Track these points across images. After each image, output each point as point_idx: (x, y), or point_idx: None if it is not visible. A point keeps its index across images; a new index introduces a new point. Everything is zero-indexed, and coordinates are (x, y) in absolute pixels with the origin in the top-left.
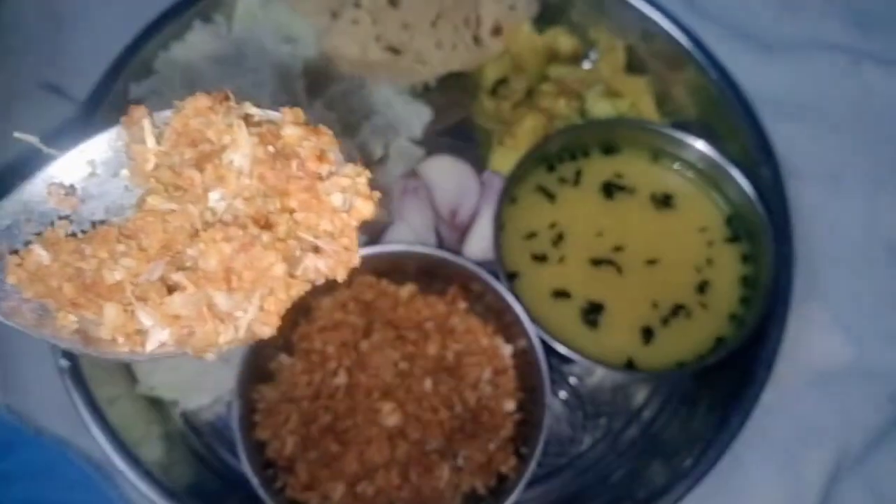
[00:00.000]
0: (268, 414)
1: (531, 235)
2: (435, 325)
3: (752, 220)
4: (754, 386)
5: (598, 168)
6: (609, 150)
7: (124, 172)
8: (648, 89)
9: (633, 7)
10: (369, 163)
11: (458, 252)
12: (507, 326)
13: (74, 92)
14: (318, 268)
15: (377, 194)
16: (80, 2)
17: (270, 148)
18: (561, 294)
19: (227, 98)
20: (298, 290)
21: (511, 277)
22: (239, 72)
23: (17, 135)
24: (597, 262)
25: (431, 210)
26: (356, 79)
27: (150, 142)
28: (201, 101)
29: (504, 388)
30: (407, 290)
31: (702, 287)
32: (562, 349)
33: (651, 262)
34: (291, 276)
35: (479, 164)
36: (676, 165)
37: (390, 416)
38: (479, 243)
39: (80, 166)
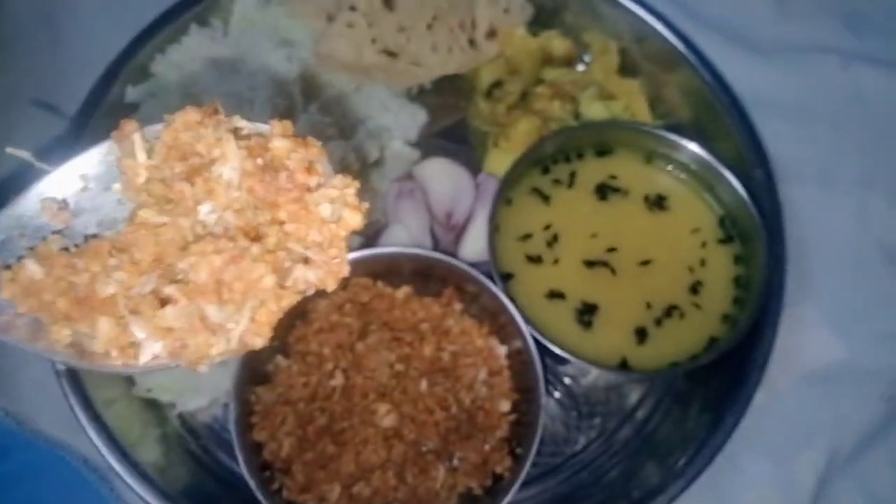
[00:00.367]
0: (264, 416)
1: (526, 237)
2: (430, 326)
3: (744, 221)
4: (747, 386)
5: (592, 170)
6: (603, 151)
7: (116, 186)
8: (642, 91)
9: (626, 10)
10: (365, 165)
11: (453, 254)
12: (501, 327)
13: (71, 99)
14: (308, 278)
15: (365, 205)
16: (76, 7)
17: (259, 160)
18: (555, 295)
19: (216, 111)
20: (289, 301)
21: (506, 279)
22: (235, 75)
23: (9, 150)
24: (591, 264)
25: (427, 212)
26: (352, 82)
27: (141, 156)
28: (191, 114)
29: (499, 388)
30: (402, 291)
31: (695, 288)
32: (556, 350)
33: (645, 263)
34: (282, 286)
35: (474, 166)
36: (670, 167)
37: (386, 418)
38: (474, 245)
39: (73, 181)
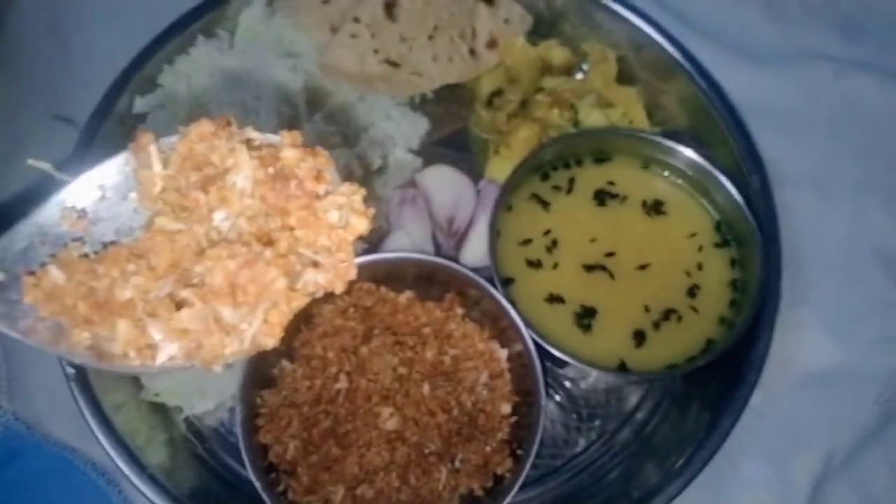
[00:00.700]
0: (270, 418)
1: (526, 242)
2: (432, 330)
3: (740, 225)
4: (744, 388)
5: (591, 176)
6: (601, 158)
7: (133, 195)
8: (639, 99)
9: (623, 20)
10: (368, 173)
11: (454, 259)
12: (502, 331)
13: (79, 109)
14: (317, 281)
15: (371, 211)
16: (84, 19)
17: (270, 169)
18: (555, 299)
19: (229, 123)
20: (299, 302)
21: (506, 283)
22: (242, 85)
23: (30, 161)
24: (590, 268)
25: (429, 218)
26: (355, 91)
27: (157, 167)
28: (205, 126)
29: (500, 391)
30: (405, 296)
31: (692, 291)
32: (556, 352)
33: (642, 267)
34: (292, 289)
35: (475, 173)
36: (667, 173)
37: (389, 420)
38: (475, 250)
39: (91, 190)
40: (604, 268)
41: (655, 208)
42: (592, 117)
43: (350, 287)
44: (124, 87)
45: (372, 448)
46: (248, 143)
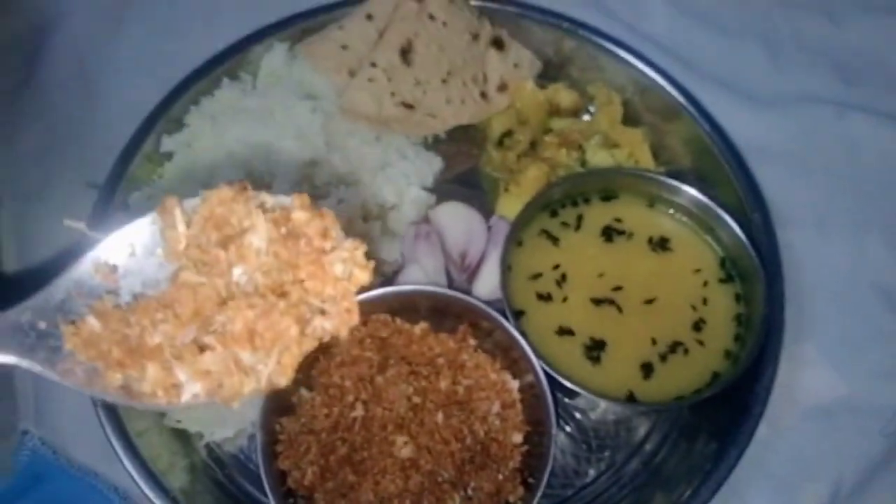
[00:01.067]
0: (289, 445)
1: (536, 276)
2: (446, 360)
3: (744, 262)
4: (750, 420)
5: (598, 213)
6: (608, 196)
7: (159, 251)
8: (644, 140)
9: (628, 64)
10: (384, 209)
11: (467, 292)
12: (514, 362)
13: (104, 149)
14: (325, 327)
15: (372, 263)
16: (111, 61)
17: (283, 229)
18: (565, 331)
19: (245, 188)
20: (309, 346)
21: (518, 316)
22: (264, 125)
23: (66, 222)
24: (598, 302)
25: (442, 253)
26: (372, 132)
27: (182, 227)
28: (224, 192)
29: (511, 421)
30: (420, 327)
31: (698, 325)
32: (566, 383)
33: (649, 301)
34: (303, 334)
35: (487, 210)
36: (672, 211)
37: (404, 448)
38: (487, 284)
39: (122, 247)
40: (612, 301)
41: (661, 245)
42: (599, 157)
43: (366, 318)
44: (152, 127)
45: (387, 475)
46: (261, 205)
